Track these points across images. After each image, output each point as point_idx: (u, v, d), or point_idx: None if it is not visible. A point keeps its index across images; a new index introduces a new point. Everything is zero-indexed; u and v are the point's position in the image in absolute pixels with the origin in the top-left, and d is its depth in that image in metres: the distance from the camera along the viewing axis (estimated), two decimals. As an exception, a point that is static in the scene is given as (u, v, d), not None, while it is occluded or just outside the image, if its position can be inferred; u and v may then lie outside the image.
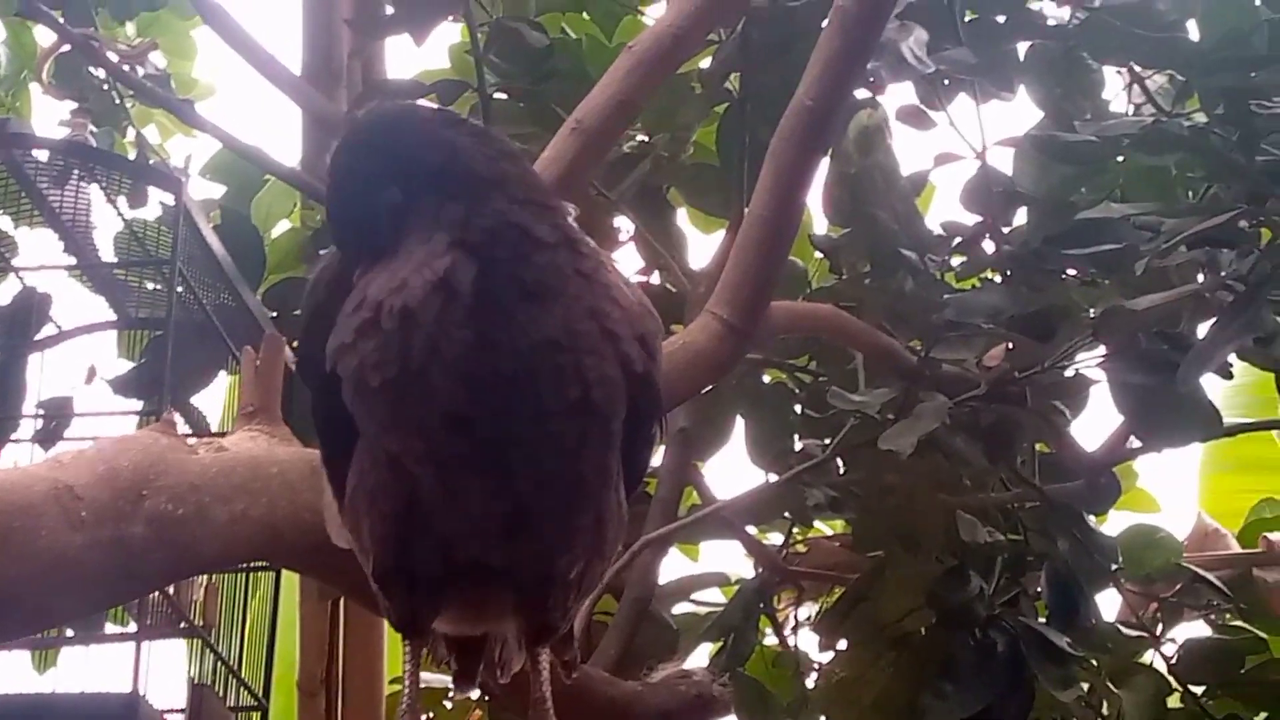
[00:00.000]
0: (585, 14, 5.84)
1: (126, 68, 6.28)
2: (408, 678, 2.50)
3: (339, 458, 2.40)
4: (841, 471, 5.33)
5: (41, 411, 5.49)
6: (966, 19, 5.03)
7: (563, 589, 2.39)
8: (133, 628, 4.86)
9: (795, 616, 6.24)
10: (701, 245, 6.60)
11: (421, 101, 5.26)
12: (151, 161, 6.70)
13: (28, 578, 2.91)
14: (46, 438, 5.45)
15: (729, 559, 6.64)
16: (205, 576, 5.13)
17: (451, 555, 2.32)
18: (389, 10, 5.40)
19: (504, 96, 5.23)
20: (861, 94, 5.13)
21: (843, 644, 5.47)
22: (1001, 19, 5.05)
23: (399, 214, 2.25)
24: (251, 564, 5.16)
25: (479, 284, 2.15)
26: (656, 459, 5.38)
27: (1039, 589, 5.10)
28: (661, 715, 4.62)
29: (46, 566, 2.94)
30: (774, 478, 5.29)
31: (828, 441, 4.99)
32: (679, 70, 5.00)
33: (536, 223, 2.23)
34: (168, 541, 3.12)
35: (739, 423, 5.67)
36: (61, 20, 5.83)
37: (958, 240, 4.80)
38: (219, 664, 5.20)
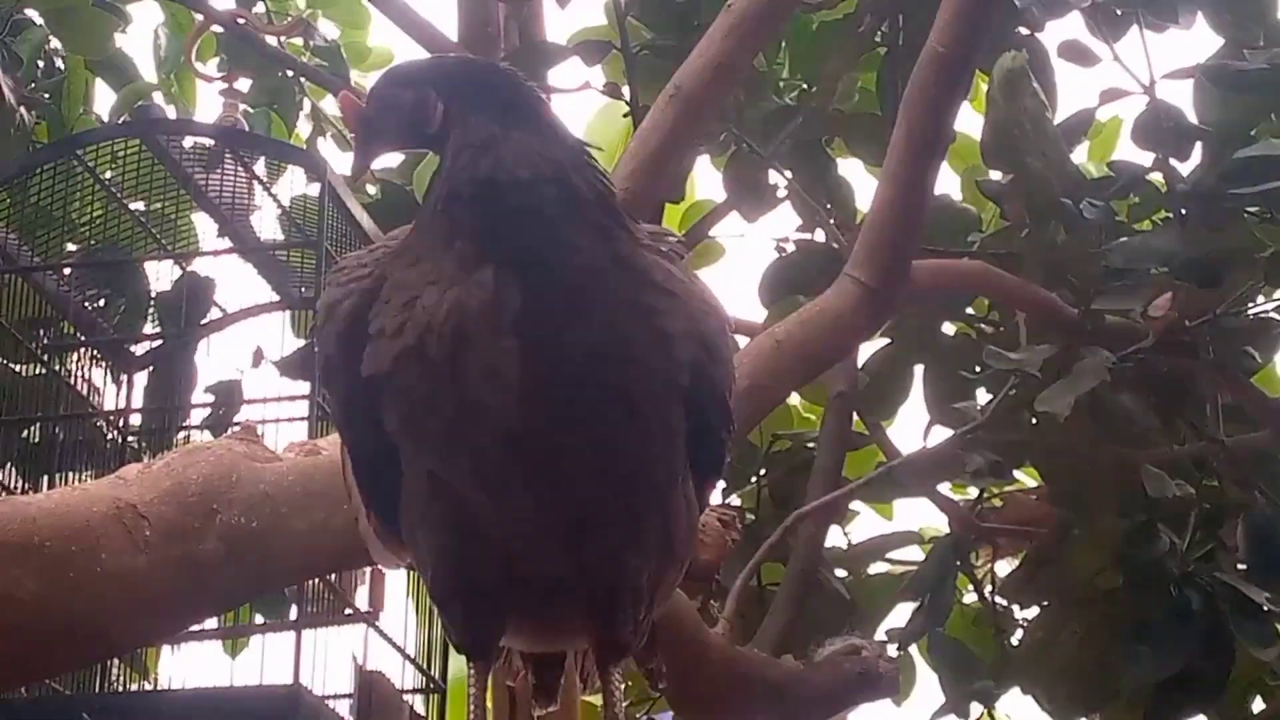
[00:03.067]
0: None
1: (294, 41, 6.24)
2: (473, 702, 2.37)
3: (373, 472, 2.29)
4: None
5: (211, 397, 5.47)
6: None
7: (633, 599, 2.26)
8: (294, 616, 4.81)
9: (994, 574, 6.03)
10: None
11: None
12: (329, 134, 6.71)
13: (89, 603, 2.83)
14: (216, 423, 5.43)
15: (929, 516, 6.42)
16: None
17: (511, 570, 2.21)
18: (533, -27, 5.28)
19: (648, 54, 5.06)
20: (1023, 32, 4.90)
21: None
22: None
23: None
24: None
25: (524, 300, 2.04)
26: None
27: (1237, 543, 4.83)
28: (824, 697, 4.44)
29: (110, 591, 2.86)
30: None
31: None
32: (827, 18, 4.81)
33: (574, 228, 2.08)
34: (242, 557, 3.02)
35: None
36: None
37: (1119, 183, 4.53)
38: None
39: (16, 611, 2.74)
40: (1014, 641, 5.67)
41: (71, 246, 5.45)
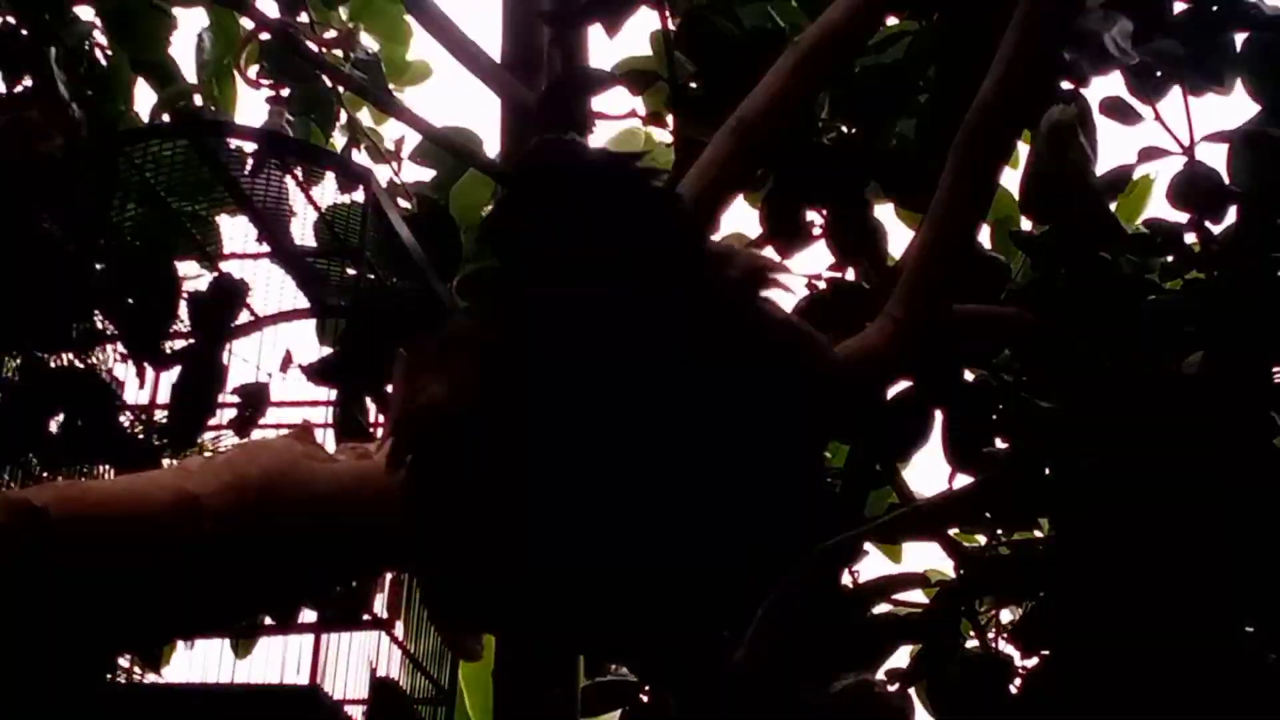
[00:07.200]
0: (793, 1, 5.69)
1: (336, 52, 6.29)
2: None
3: None
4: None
5: (237, 399, 5.52)
6: (1176, 8, 4.83)
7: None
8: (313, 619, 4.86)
9: (998, 620, 6.06)
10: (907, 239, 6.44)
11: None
12: (363, 146, 6.76)
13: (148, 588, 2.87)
14: (242, 425, 5.48)
15: (935, 559, 6.47)
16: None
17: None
18: (585, -1, 5.31)
19: (695, 87, 5.11)
20: (1066, 86, 4.96)
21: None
22: (1215, 7, 4.83)
23: None
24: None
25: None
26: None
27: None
28: (837, 730, 4.49)
29: (167, 580, 2.90)
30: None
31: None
32: (871, 60, 4.86)
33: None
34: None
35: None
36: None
37: (1159, 240, 4.59)
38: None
39: (79, 593, 2.76)
40: (1013, 689, 5.72)
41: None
